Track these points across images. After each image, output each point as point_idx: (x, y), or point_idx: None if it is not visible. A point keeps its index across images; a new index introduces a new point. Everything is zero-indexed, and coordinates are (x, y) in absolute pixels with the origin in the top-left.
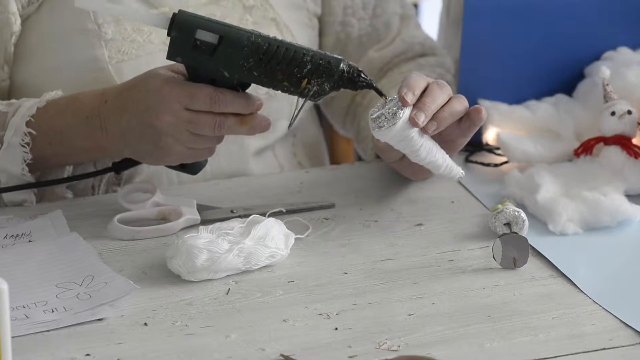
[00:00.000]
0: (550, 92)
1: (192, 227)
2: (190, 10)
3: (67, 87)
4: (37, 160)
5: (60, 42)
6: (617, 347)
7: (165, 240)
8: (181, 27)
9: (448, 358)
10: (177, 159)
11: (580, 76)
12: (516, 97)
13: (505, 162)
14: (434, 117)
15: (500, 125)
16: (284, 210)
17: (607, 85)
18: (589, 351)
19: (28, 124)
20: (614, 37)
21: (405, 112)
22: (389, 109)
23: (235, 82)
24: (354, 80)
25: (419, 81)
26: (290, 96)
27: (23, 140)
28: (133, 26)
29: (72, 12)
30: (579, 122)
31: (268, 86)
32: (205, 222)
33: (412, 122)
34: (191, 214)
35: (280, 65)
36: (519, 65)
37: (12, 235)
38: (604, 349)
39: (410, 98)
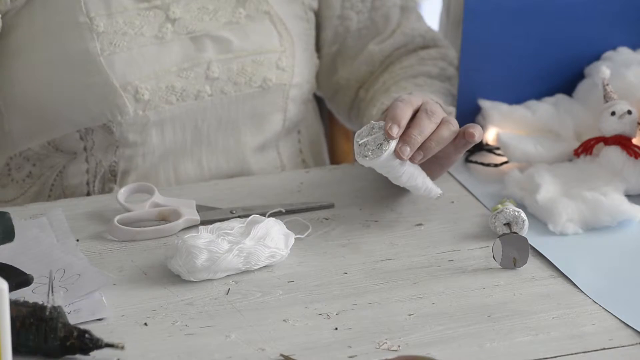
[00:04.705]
0: (550, 92)
1: (192, 227)
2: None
3: (59, 80)
4: None
5: (52, 35)
6: (617, 347)
7: (165, 241)
8: None
9: (448, 358)
10: None
11: (580, 76)
12: (516, 97)
13: (505, 162)
14: (420, 147)
15: (500, 125)
16: (284, 210)
17: (607, 85)
18: (589, 351)
19: None
20: (614, 37)
21: (391, 145)
22: (375, 138)
23: None
24: None
25: (405, 111)
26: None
27: None
28: (124, 19)
29: (64, 6)
30: (579, 122)
31: None
32: (205, 222)
33: (397, 155)
34: (191, 215)
35: None
36: (519, 65)
37: None
38: (604, 349)
39: (396, 132)
